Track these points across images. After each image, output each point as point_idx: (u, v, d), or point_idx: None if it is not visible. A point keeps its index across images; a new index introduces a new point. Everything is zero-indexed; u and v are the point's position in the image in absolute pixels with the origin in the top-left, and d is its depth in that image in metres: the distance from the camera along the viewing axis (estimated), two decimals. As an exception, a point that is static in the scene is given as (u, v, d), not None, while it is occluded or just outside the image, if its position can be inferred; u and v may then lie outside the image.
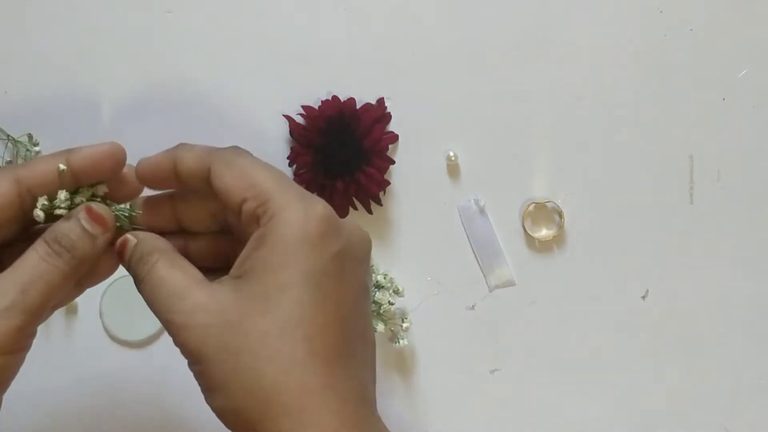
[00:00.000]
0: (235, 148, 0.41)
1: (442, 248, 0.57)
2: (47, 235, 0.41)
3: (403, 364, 0.57)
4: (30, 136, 0.56)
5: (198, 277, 0.39)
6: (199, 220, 0.43)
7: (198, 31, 0.56)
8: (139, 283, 0.40)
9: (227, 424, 0.37)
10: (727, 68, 0.57)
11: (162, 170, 0.42)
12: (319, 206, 0.38)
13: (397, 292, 0.55)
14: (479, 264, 0.57)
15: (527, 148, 0.57)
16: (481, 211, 0.57)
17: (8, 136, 0.56)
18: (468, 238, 0.57)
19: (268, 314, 0.37)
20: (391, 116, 0.56)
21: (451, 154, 0.56)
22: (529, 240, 0.57)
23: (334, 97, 0.55)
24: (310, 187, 0.56)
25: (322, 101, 0.55)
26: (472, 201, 0.57)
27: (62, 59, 0.56)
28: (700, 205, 0.57)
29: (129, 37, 0.56)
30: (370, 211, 0.56)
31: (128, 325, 0.56)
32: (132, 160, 0.56)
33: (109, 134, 0.56)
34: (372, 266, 0.56)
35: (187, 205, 0.43)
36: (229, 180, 0.39)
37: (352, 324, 0.38)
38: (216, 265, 0.42)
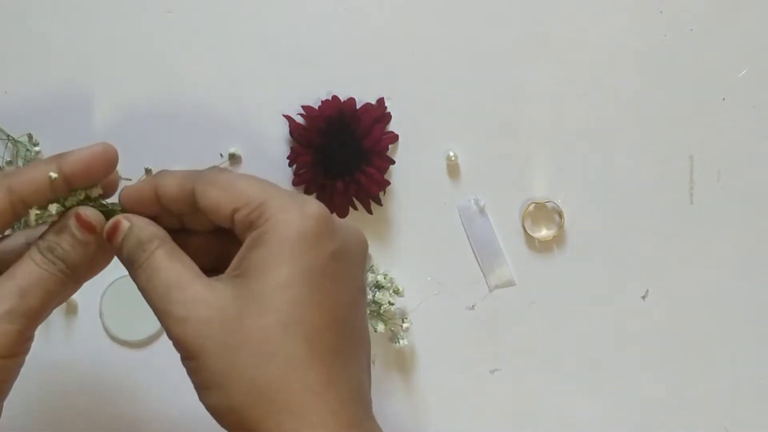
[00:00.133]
0: (216, 168, 0.41)
1: (442, 248, 0.57)
2: (41, 244, 0.41)
3: (403, 364, 0.57)
4: (30, 136, 0.56)
5: (197, 271, 0.39)
6: (198, 221, 0.43)
7: (198, 32, 0.56)
8: (135, 269, 0.40)
9: (223, 423, 0.37)
10: (727, 68, 0.57)
11: (144, 198, 0.41)
12: (315, 206, 0.38)
13: (397, 292, 0.55)
14: (479, 264, 0.57)
15: (527, 148, 0.57)
16: (481, 211, 0.57)
17: (8, 136, 0.56)
18: (468, 238, 0.57)
19: (267, 312, 0.37)
20: (391, 116, 0.56)
21: (451, 154, 0.56)
22: (529, 240, 0.57)
23: (334, 97, 0.55)
24: (310, 187, 0.56)
25: (322, 101, 0.55)
26: (472, 201, 0.57)
27: (62, 59, 0.56)
28: (700, 205, 0.57)
29: (129, 37, 0.56)
30: (370, 211, 0.56)
31: (128, 325, 0.56)
32: (132, 160, 0.56)
33: (108, 134, 0.56)
34: (372, 266, 0.56)
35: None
36: (216, 196, 0.39)
37: (350, 324, 0.38)
38: (211, 265, 0.42)
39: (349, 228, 0.40)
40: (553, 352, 0.57)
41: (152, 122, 0.56)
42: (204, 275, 0.39)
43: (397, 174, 0.57)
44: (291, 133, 0.55)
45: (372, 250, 0.57)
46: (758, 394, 0.58)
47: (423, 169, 0.57)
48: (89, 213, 0.41)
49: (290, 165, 0.56)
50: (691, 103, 0.57)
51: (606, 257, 0.57)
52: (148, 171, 0.56)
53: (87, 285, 0.44)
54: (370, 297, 0.55)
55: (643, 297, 0.57)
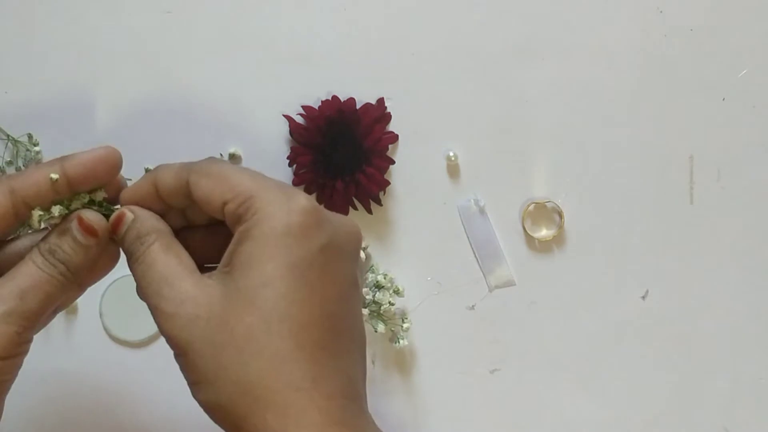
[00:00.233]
0: (211, 158, 0.41)
1: (442, 248, 0.57)
2: (42, 246, 0.41)
3: (403, 364, 0.57)
4: (30, 136, 0.56)
5: (191, 267, 0.39)
6: (197, 214, 0.43)
7: (198, 32, 0.56)
8: (132, 262, 0.40)
9: (213, 418, 0.37)
10: (727, 68, 0.57)
11: (145, 194, 0.41)
12: (302, 199, 0.38)
13: (397, 292, 0.55)
14: (479, 264, 0.57)
15: (527, 148, 0.57)
16: (481, 211, 0.57)
17: (8, 136, 0.56)
18: (468, 238, 0.57)
19: (253, 309, 0.36)
20: (391, 116, 0.56)
21: (451, 154, 0.56)
22: (529, 240, 0.57)
23: (334, 97, 0.55)
24: (310, 187, 0.56)
25: (322, 101, 0.55)
26: (472, 201, 0.57)
27: (62, 59, 0.56)
28: (700, 205, 0.57)
29: (129, 37, 0.56)
30: (370, 211, 0.56)
31: (128, 325, 0.56)
32: (132, 160, 0.56)
33: (109, 134, 0.56)
34: (372, 266, 0.56)
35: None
36: (208, 186, 0.39)
37: (340, 319, 0.38)
38: (214, 260, 0.42)
39: (341, 221, 0.40)
40: (553, 352, 0.57)
41: (152, 122, 0.56)
42: (197, 271, 0.39)
43: (397, 174, 0.57)
44: (291, 133, 0.56)
45: (372, 250, 0.57)
46: (758, 394, 0.58)
47: (423, 169, 0.57)
48: (91, 216, 0.41)
49: (290, 165, 0.56)
50: (691, 103, 0.57)
51: (606, 257, 0.57)
52: (147, 171, 0.56)
53: (87, 285, 0.44)
54: (370, 297, 0.55)
55: (643, 297, 0.57)
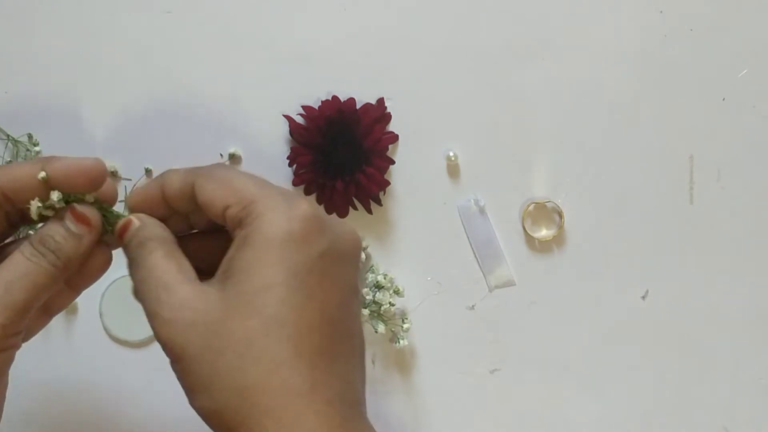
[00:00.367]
0: (217, 164, 0.41)
1: (442, 248, 0.57)
2: (33, 238, 0.40)
3: (403, 364, 0.57)
4: (30, 136, 0.56)
5: (191, 274, 0.39)
6: (201, 219, 0.43)
7: (198, 32, 0.56)
8: (133, 267, 0.40)
9: (210, 425, 0.37)
10: (727, 68, 0.57)
11: (152, 198, 0.41)
12: (304, 205, 0.38)
13: (397, 292, 0.55)
14: (479, 264, 0.57)
15: (527, 148, 0.57)
16: (481, 211, 0.57)
17: (8, 136, 0.56)
18: (468, 238, 0.57)
19: (252, 314, 0.36)
20: (391, 116, 0.56)
21: (451, 154, 0.56)
22: (529, 240, 0.57)
23: (334, 97, 0.55)
24: (310, 187, 0.56)
25: (322, 101, 0.55)
26: (472, 201, 0.57)
27: (62, 59, 0.56)
28: (700, 205, 0.57)
29: (129, 37, 0.56)
30: (370, 211, 0.56)
31: (128, 325, 0.56)
32: (132, 160, 0.56)
33: (108, 134, 0.56)
34: (372, 266, 0.56)
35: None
36: (211, 190, 0.39)
37: (339, 324, 0.38)
38: (213, 266, 0.42)
39: (341, 226, 0.40)
40: (553, 352, 0.57)
41: (152, 122, 0.56)
42: (197, 278, 0.39)
43: (397, 174, 0.57)
44: (291, 133, 0.55)
45: (372, 250, 0.57)
46: (758, 394, 0.58)
47: (423, 169, 0.57)
48: (84, 208, 0.41)
49: (290, 165, 0.56)
50: (691, 104, 0.57)
51: (606, 257, 0.57)
52: (148, 171, 0.56)
53: (87, 285, 0.44)
54: (370, 297, 0.55)
55: (643, 297, 0.57)
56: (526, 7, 0.56)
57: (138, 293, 0.39)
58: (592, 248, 0.57)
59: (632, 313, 0.57)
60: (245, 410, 0.36)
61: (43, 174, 0.40)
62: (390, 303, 0.55)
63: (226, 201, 0.39)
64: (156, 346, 0.57)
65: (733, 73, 0.57)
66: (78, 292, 0.43)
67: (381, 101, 0.56)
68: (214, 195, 0.39)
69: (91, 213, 0.41)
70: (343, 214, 0.56)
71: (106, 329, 0.56)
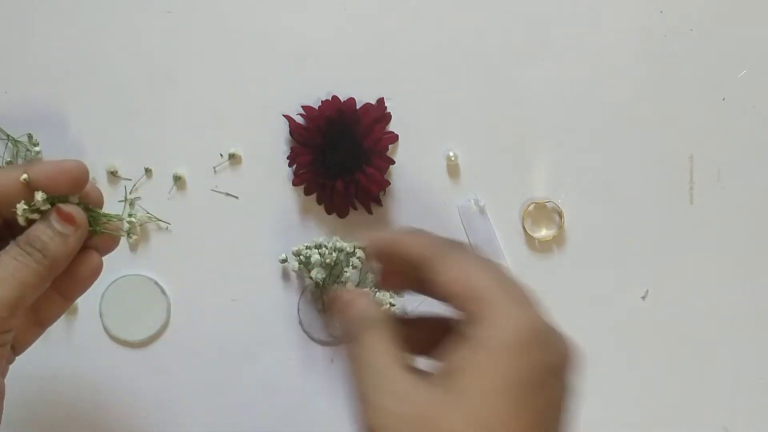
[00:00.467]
0: (458, 244, 0.42)
1: (442, 248, 0.57)
2: (20, 239, 0.41)
3: (403, 364, 0.57)
4: (30, 136, 0.56)
5: (406, 362, 0.39)
6: (431, 290, 0.42)
7: (198, 32, 0.56)
8: (351, 340, 0.40)
9: None
10: (727, 68, 0.57)
11: (386, 251, 0.42)
12: (531, 314, 0.38)
13: (397, 292, 0.55)
14: (479, 264, 0.57)
15: (527, 148, 0.57)
16: (481, 211, 0.57)
17: (8, 136, 0.56)
18: (468, 238, 0.57)
19: (463, 421, 0.36)
20: (391, 116, 0.56)
21: (451, 154, 0.56)
22: (529, 240, 0.57)
23: (334, 97, 0.55)
24: (309, 187, 0.56)
25: (322, 101, 0.55)
26: (472, 201, 0.57)
27: (62, 59, 0.56)
28: (700, 205, 0.57)
29: (129, 37, 0.56)
30: (370, 211, 0.56)
31: (128, 325, 0.56)
32: (132, 160, 0.56)
33: (108, 134, 0.56)
34: (372, 266, 0.56)
35: None
36: (450, 278, 0.39)
37: None
38: (423, 350, 0.42)
39: (562, 338, 0.39)
40: (553, 352, 0.57)
41: (152, 122, 0.56)
42: (412, 369, 0.39)
43: (397, 174, 0.57)
44: (291, 133, 0.55)
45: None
46: (758, 393, 0.58)
47: (423, 169, 0.57)
48: (69, 207, 0.41)
49: (290, 165, 0.56)
50: (691, 103, 0.57)
51: (606, 257, 0.57)
52: (147, 171, 0.56)
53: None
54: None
55: (643, 297, 0.57)
56: (526, 8, 0.56)
57: (350, 368, 0.39)
58: (592, 248, 0.57)
59: (632, 313, 0.57)
60: None
61: (25, 176, 0.40)
62: (390, 303, 0.55)
63: (463, 294, 0.39)
64: (156, 346, 0.57)
65: (733, 73, 0.57)
66: (71, 301, 0.44)
67: (381, 101, 0.56)
68: (453, 284, 0.39)
69: (77, 212, 0.41)
70: (343, 214, 0.56)
71: (106, 329, 0.56)
